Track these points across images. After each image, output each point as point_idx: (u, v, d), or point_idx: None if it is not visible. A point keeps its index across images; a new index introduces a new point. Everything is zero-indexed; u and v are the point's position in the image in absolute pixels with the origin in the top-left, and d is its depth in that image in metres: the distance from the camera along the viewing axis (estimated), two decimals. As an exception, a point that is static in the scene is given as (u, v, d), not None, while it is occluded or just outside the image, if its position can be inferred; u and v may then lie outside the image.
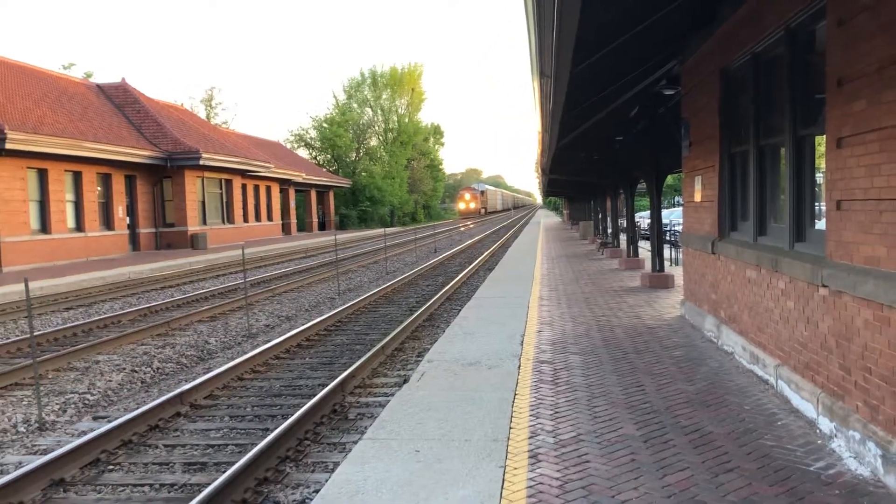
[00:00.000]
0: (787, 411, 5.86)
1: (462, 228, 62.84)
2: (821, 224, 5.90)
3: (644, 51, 8.85)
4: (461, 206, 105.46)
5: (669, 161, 14.07)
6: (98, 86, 38.41)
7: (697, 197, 9.72)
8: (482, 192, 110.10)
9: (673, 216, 29.03)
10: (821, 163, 5.92)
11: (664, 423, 5.65)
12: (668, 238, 20.47)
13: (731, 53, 7.75)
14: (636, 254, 19.41)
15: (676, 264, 18.06)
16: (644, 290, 14.12)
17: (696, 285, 10.03)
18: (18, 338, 12.46)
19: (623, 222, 26.26)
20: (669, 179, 19.72)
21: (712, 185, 8.86)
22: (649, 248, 16.95)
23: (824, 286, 5.35)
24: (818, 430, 5.35)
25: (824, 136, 5.49)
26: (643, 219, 28.45)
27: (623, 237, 24.68)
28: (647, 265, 16.64)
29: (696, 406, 6.08)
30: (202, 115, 63.45)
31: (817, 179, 6.11)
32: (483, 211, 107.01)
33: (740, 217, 8.24)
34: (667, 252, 17.35)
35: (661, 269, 14.77)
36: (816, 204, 6.14)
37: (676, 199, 45.69)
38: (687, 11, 7.74)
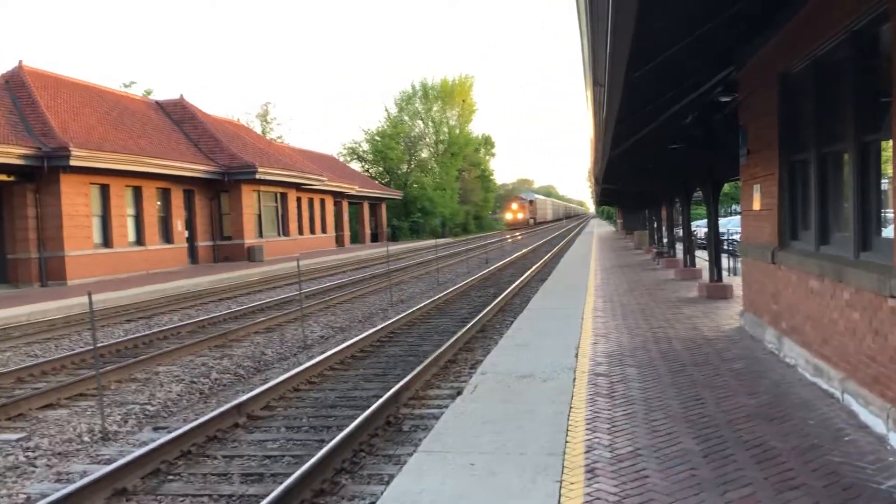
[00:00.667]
0: (855, 426, 5.65)
1: (510, 240, 62.53)
2: (888, 232, 5.70)
3: (699, 58, 8.69)
4: (508, 216, 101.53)
5: (726, 169, 13.79)
6: (157, 102, 39.58)
7: (756, 206, 9.49)
8: (531, 202, 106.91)
9: (730, 225, 28.44)
10: (886, 168, 5.72)
11: (725, 437, 5.50)
12: (725, 247, 20.03)
13: (791, 58, 7.56)
14: (693, 263, 19.04)
15: (734, 274, 17.67)
16: (701, 300, 13.84)
17: (755, 296, 9.79)
18: (82, 349, 12.87)
19: (679, 231, 25.82)
20: (726, 187, 19.30)
21: (771, 194, 8.64)
22: (706, 258, 16.62)
23: (893, 297, 5.16)
24: (889, 447, 5.14)
25: (890, 142, 5.30)
26: (699, 227, 27.90)
27: (679, 246, 24.25)
28: (705, 275, 16.31)
29: (757, 420, 5.92)
30: (258, 130, 64.68)
31: (883, 186, 5.90)
32: (532, 221, 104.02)
33: (801, 226, 8.01)
34: (724, 262, 16.97)
35: (719, 279, 14.46)
36: (883, 211, 5.93)
37: (733, 207, 44.72)
38: (743, 18, 7.58)
